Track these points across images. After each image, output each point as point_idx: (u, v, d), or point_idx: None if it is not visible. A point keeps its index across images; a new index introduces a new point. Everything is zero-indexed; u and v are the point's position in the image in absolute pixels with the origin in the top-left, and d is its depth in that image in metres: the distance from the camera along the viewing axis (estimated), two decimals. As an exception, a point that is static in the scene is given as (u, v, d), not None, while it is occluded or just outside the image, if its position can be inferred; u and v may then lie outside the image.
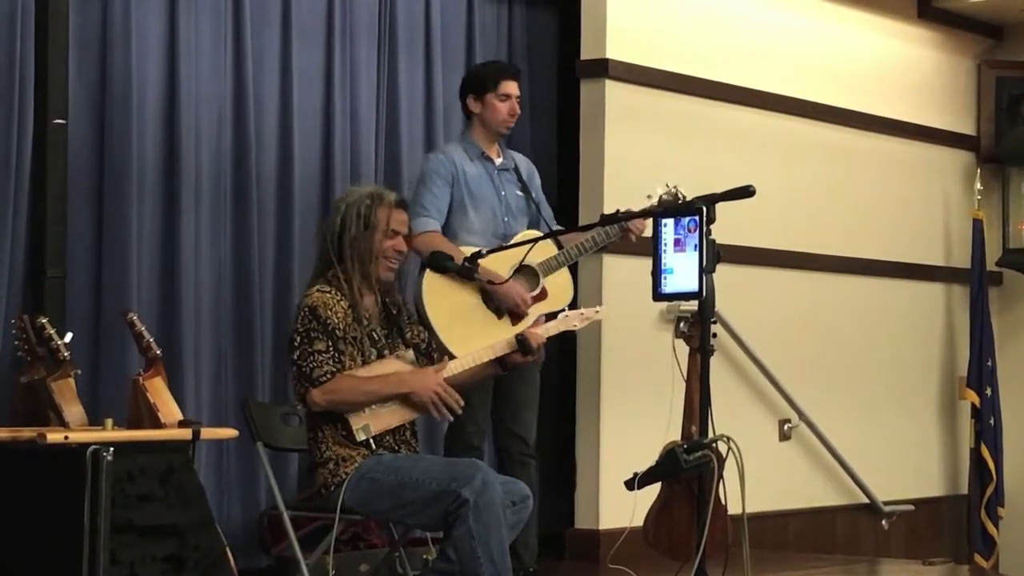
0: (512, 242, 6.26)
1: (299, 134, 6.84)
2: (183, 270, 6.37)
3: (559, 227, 6.58)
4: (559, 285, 6.45)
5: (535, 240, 6.00)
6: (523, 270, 6.36)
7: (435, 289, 6.11)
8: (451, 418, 5.53)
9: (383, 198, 5.50)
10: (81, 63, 6.17)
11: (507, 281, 6.14)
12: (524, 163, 6.75)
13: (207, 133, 6.52)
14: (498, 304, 6.28)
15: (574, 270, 6.70)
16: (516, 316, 6.31)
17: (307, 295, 5.41)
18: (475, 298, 6.25)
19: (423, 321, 6.00)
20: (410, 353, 5.51)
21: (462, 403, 5.47)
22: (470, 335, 6.09)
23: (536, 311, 6.34)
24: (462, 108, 6.64)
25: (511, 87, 6.55)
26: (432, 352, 5.64)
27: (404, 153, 7.23)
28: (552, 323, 5.81)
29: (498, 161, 6.60)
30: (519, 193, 6.61)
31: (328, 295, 5.37)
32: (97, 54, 6.22)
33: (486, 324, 6.23)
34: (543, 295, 6.39)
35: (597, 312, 5.88)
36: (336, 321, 5.34)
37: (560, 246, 6.46)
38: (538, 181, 6.77)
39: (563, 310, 6.01)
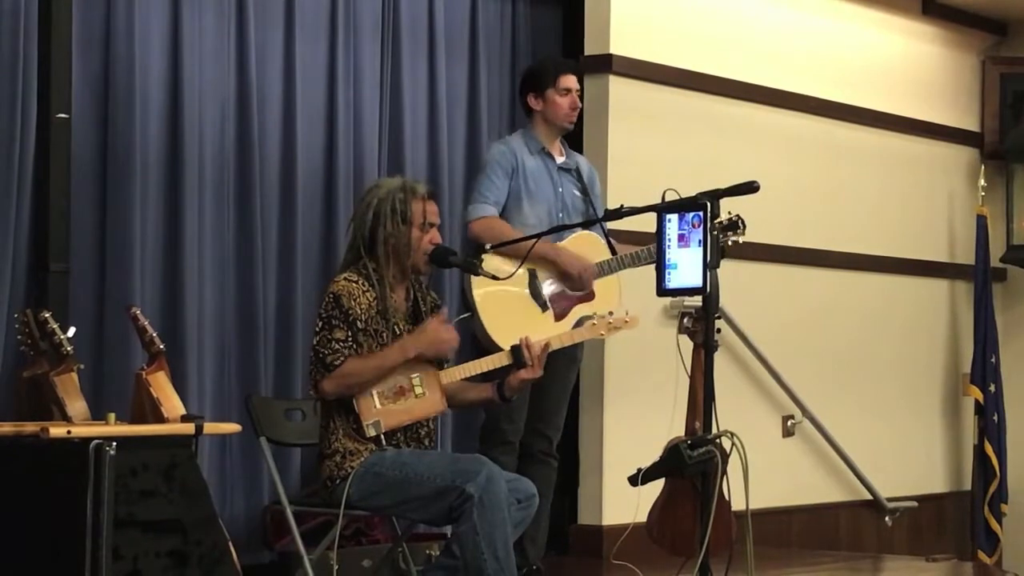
0: (565, 241, 6.31)
1: (302, 130, 6.84)
2: (186, 265, 6.37)
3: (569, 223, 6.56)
4: (608, 289, 6.45)
5: (537, 236, 5.99)
6: None
7: (482, 279, 6.11)
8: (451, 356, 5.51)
9: (416, 191, 5.48)
10: (84, 58, 6.16)
11: (565, 248, 6.20)
12: (586, 166, 6.78)
13: (210, 128, 6.52)
14: (564, 272, 6.32)
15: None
16: (561, 312, 6.32)
17: (335, 281, 5.40)
18: (522, 290, 6.26)
19: (469, 307, 6.01)
20: None
21: (458, 339, 5.48)
22: (514, 325, 6.10)
23: (579, 312, 6.34)
24: (522, 106, 6.67)
25: (571, 81, 6.58)
26: (454, 353, 5.62)
27: (407, 149, 7.22)
28: (577, 331, 5.80)
29: (560, 159, 6.63)
30: (577, 193, 6.62)
31: (355, 284, 5.36)
32: (100, 49, 6.21)
33: (529, 315, 6.24)
34: (590, 296, 6.40)
35: (627, 321, 5.83)
36: (359, 312, 5.33)
37: (614, 251, 6.47)
38: (598, 188, 6.79)
39: (592, 316, 5.95)
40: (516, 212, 6.46)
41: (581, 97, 6.68)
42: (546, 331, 5.77)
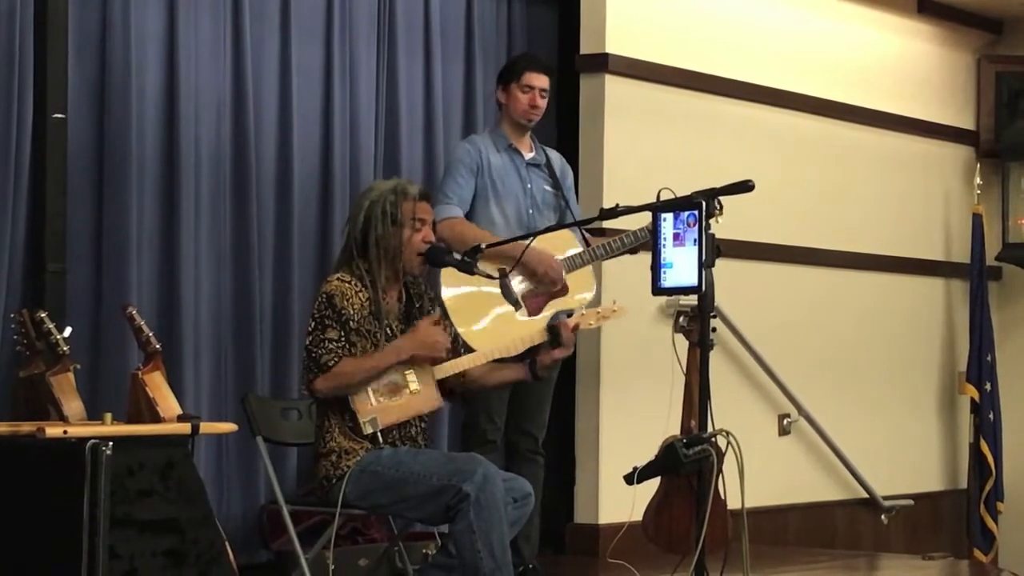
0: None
1: (298, 130, 6.84)
2: (183, 265, 6.37)
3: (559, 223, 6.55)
4: (581, 283, 6.44)
5: (533, 235, 5.99)
6: None
7: (453, 279, 6.10)
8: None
9: (407, 192, 5.50)
10: (80, 58, 6.17)
11: (531, 247, 6.13)
12: (558, 160, 6.75)
13: (206, 128, 6.52)
14: (531, 271, 6.28)
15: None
16: (534, 308, 6.31)
17: (328, 281, 5.42)
18: (494, 289, 6.25)
19: (442, 311, 6.02)
20: None
21: (450, 340, 5.52)
22: (486, 325, 6.09)
23: (553, 307, 6.33)
24: (495, 100, 6.66)
25: (534, 79, 6.54)
26: (448, 353, 5.63)
27: (403, 149, 7.23)
28: (569, 320, 5.80)
29: (528, 155, 6.60)
30: (548, 188, 6.60)
31: (347, 284, 5.38)
32: (97, 49, 6.22)
33: (503, 315, 6.23)
34: (563, 291, 6.39)
35: (615, 310, 5.84)
36: (351, 312, 5.35)
37: (587, 244, 6.46)
38: (570, 180, 6.77)
39: (581, 307, 5.97)
40: (484, 210, 6.44)
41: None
42: (520, 329, 5.76)
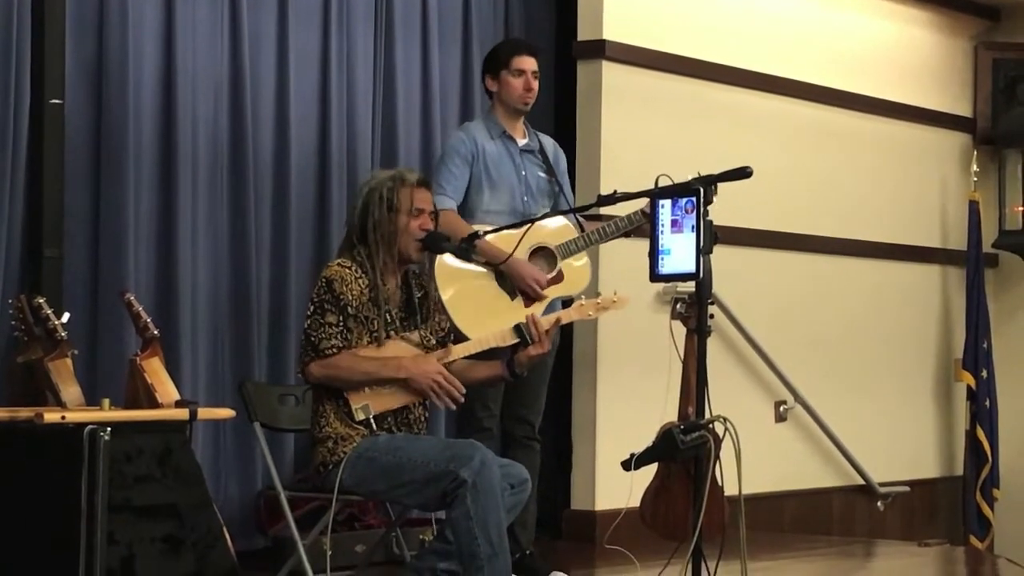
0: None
1: (296, 115, 6.84)
2: (180, 250, 6.37)
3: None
4: (576, 269, 6.43)
5: (531, 221, 5.99)
6: (541, 252, 6.35)
7: (447, 268, 6.10)
8: (452, 406, 5.51)
9: (404, 179, 5.51)
10: (78, 43, 6.16)
11: (514, 258, 6.11)
12: (551, 146, 6.73)
13: (204, 114, 6.52)
14: (511, 283, 6.28)
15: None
16: (529, 296, 6.30)
17: (328, 266, 5.43)
18: (488, 278, 6.24)
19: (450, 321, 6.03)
20: (415, 335, 5.50)
21: (463, 391, 5.45)
22: (481, 315, 6.08)
23: (551, 294, 6.33)
24: (484, 90, 6.65)
25: (524, 62, 6.52)
26: (450, 341, 5.63)
27: (401, 134, 7.23)
28: (565, 312, 5.79)
29: (522, 142, 6.58)
30: (542, 175, 6.58)
31: (347, 270, 5.38)
32: (94, 34, 6.21)
33: (498, 305, 6.21)
34: (559, 278, 6.37)
35: (615, 301, 5.83)
36: (350, 297, 5.35)
37: (582, 229, 6.45)
38: (564, 165, 6.75)
39: (580, 296, 5.96)
40: (479, 198, 6.42)
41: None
42: (518, 318, 5.75)
